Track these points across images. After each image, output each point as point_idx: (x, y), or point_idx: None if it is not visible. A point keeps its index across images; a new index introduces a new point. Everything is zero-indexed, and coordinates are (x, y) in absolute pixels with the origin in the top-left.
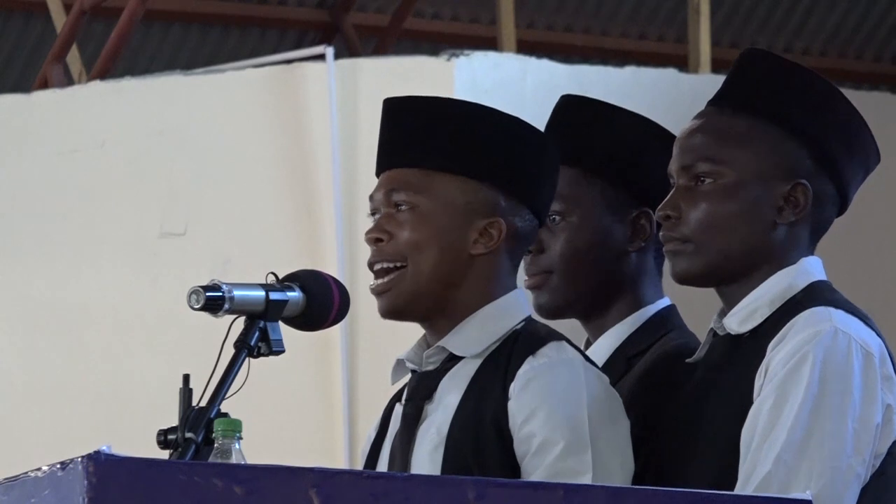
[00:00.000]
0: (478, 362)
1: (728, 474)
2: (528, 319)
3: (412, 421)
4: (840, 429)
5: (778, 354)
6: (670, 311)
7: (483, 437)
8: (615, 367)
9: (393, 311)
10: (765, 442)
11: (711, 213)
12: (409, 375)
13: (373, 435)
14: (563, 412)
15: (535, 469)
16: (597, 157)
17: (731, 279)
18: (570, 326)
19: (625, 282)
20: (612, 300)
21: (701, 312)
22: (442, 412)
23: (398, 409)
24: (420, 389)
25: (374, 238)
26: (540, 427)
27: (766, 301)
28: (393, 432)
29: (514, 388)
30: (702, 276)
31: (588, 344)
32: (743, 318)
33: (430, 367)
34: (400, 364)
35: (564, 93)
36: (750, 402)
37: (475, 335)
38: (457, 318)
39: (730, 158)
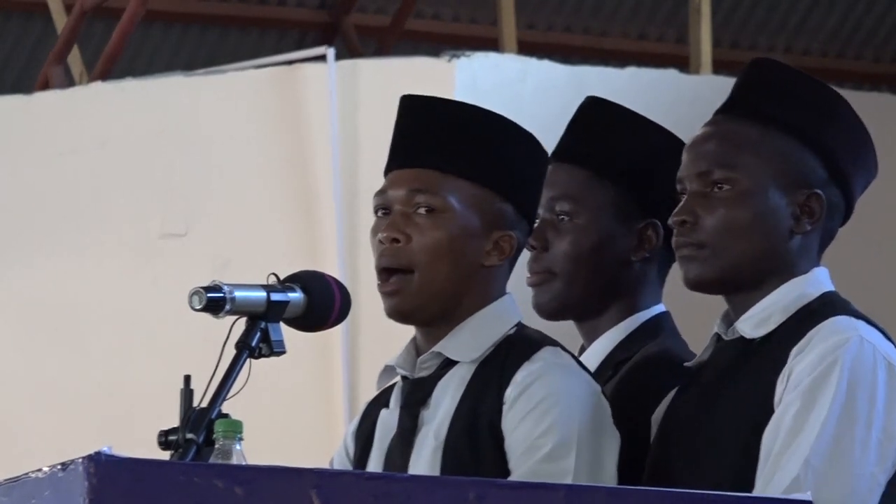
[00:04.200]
0: (472, 367)
1: (741, 478)
2: (520, 325)
3: (409, 429)
4: (865, 437)
5: (802, 361)
6: (663, 317)
7: (480, 441)
8: (605, 372)
9: (401, 314)
10: (790, 447)
11: (729, 219)
12: (393, 380)
13: (350, 442)
14: (554, 416)
15: (518, 468)
16: (613, 163)
17: (743, 287)
18: (563, 332)
19: (624, 289)
20: (609, 305)
21: (703, 318)
22: (438, 418)
23: (385, 415)
24: (415, 396)
25: (392, 238)
26: (530, 430)
27: (780, 307)
28: (383, 438)
29: (509, 393)
30: (715, 283)
31: (582, 349)
32: (757, 322)
33: (424, 374)
34: (388, 370)
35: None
36: (766, 408)
37: (472, 341)
38: (453, 324)
39: (746, 166)
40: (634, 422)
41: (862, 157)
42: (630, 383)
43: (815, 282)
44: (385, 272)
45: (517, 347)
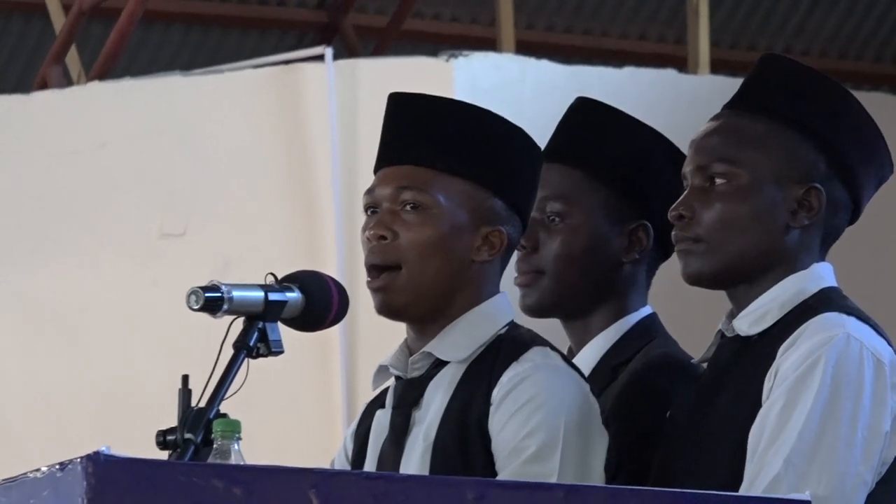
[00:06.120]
0: (463, 367)
1: (737, 475)
2: (512, 324)
3: (401, 430)
4: (850, 435)
5: (789, 358)
6: (652, 318)
7: (468, 441)
8: (601, 376)
9: (390, 310)
10: (773, 444)
11: (725, 213)
12: (391, 380)
13: (349, 443)
14: (539, 417)
15: (503, 469)
16: (605, 164)
17: (742, 281)
18: (550, 329)
19: (613, 291)
20: (598, 306)
21: (702, 317)
22: (429, 419)
23: (380, 415)
24: (407, 397)
25: (379, 235)
26: (515, 432)
27: (777, 304)
28: (377, 439)
29: (496, 393)
30: (713, 277)
31: (570, 352)
32: (753, 320)
33: (416, 374)
34: (382, 370)
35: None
36: (757, 406)
37: (461, 340)
38: (444, 322)
39: (745, 160)
40: (648, 424)
41: (871, 155)
42: (637, 386)
43: (815, 277)
44: (373, 269)
45: (506, 348)
